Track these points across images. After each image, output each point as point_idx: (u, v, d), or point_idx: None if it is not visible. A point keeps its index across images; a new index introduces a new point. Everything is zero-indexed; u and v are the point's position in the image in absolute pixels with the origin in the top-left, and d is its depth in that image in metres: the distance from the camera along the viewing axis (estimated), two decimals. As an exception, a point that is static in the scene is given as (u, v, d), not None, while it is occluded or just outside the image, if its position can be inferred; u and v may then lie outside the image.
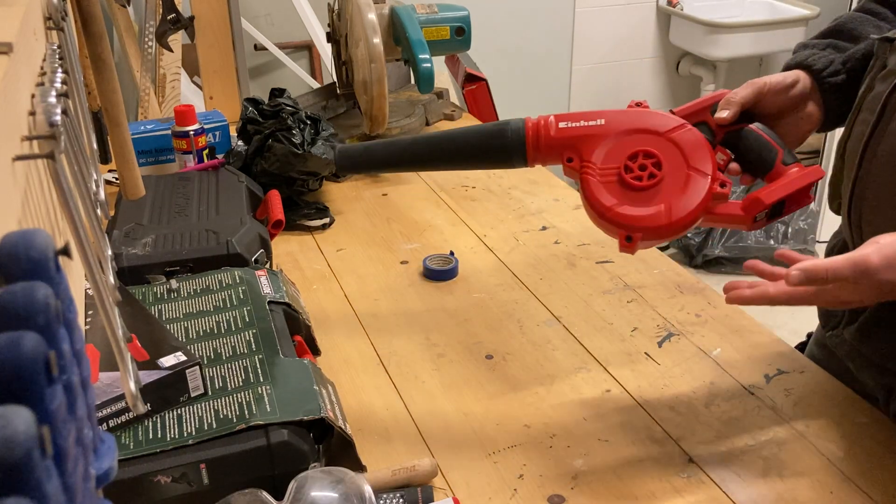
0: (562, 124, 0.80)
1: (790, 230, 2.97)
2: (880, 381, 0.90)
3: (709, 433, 0.89)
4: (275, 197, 1.29)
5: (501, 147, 0.81)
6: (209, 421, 0.78)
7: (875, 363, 0.90)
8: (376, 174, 0.86)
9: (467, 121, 1.90)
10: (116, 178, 1.12)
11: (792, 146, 0.87)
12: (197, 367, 0.81)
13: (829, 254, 0.99)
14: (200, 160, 1.45)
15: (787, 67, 0.89)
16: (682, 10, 3.25)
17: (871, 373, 0.91)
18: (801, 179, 0.80)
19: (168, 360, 0.81)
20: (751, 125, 0.82)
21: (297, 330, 1.00)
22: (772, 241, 3.00)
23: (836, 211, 0.91)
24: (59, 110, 0.42)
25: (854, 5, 0.98)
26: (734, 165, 0.82)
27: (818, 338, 1.04)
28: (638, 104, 0.82)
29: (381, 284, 1.21)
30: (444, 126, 1.85)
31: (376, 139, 0.84)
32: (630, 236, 0.77)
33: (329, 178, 1.42)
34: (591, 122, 0.80)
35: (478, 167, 0.87)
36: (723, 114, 0.81)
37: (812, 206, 2.92)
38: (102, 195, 0.65)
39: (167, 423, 0.78)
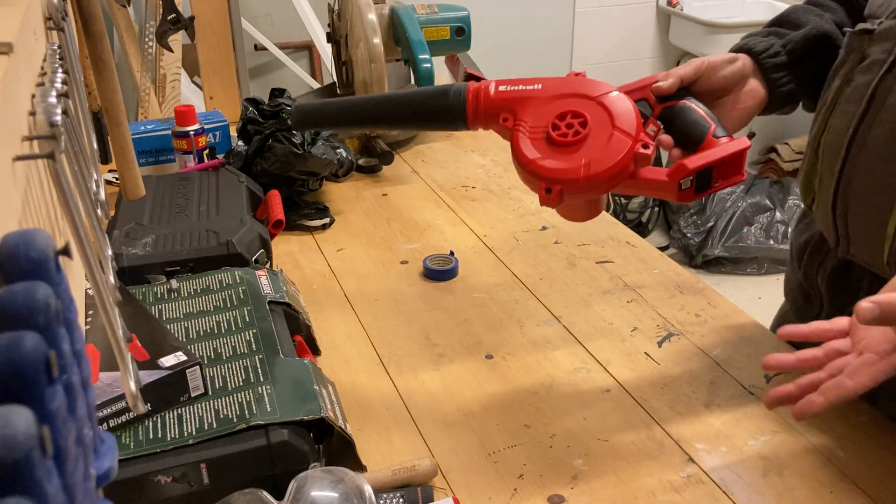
0: (501, 88, 0.83)
1: (789, 230, 2.97)
2: None
3: (709, 433, 0.89)
4: (275, 197, 1.29)
5: (444, 108, 0.84)
6: (209, 421, 0.78)
7: None
8: (329, 129, 0.94)
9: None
10: (116, 178, 1.12)
11: (738, 124, 0.89)
12: (197, 366, 0.81)
13: (801, 250, 1.01)
14: (200, 160, 1.46)
15: (731, 52, 0.91)
16: (682, 10, 3.25)
17: None
18: (726, 148, 0.80)
19: (168, 360, 0.81)
20: (685, 100, 0.85)
21: (297, 330, 1.00)
22: (771, 241, 3.00)
23: (810, 206, 0.93)
24: (59, 110, 0.42)
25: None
26: (665, 137, 0.83)
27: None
28: (577, 74, 0.85)
29: (381, 284, 1.21)
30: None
31: (340, 95, 0.97)
32: (549, 188, 0.78)
33: (329, 178, 1.42)
34: (528, 87, 0.83)
35: (423, 127, 0.95)
36: (662, 84, 0.84)
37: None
38: (102, 195, 0.65)
39: (167, 423, 0.78)
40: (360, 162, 1.60)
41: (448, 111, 0.84)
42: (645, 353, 1.03)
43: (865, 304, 0.65)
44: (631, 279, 1.20)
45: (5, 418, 0.23)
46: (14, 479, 0.24)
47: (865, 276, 0.88)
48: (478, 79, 1.97)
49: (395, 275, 1.23)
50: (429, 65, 1.51)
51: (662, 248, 3.15)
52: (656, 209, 3.31)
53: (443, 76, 2.62)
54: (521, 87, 0.83)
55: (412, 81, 1.83)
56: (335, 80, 1.79)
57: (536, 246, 1.31)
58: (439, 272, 1.22)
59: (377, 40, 1.47)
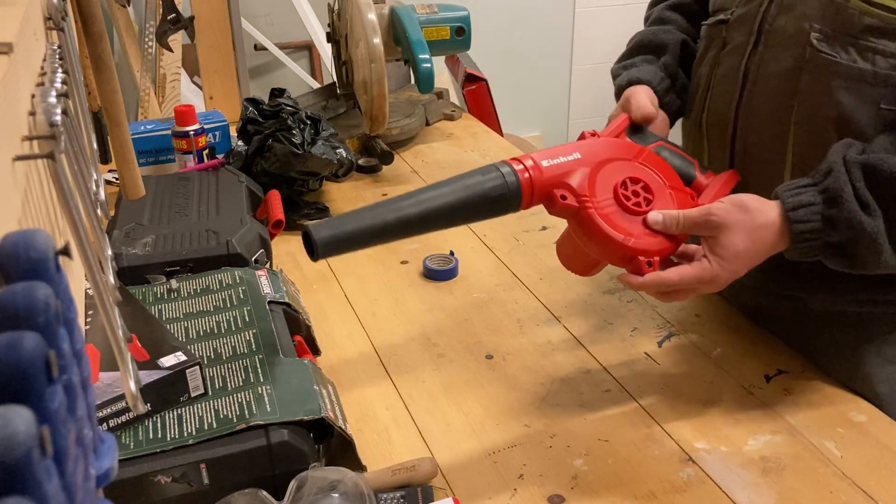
0: (545, 163, 0.79)
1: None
2: (790, 304, 0.99)
3: (709, 433, 0.89)
4: (275, 197, 1.29)
5: (502, 200, 0.78)
6: (209, 421, 0.78)
7: (786, 295, 0.99)
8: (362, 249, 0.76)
9: (466, 121, 1.90)
10: (116, 178, 1.12)
11: None
12: (197, 366, 0.81)
13: None
14: (200, 160, 1.46)
15: (622, 87, 0.99)
16: (682, 10, 3.25)
17: (785, 305, 1.00)
18: (729, 183, 0.89)
19: (168, 360, 0.81)
20: (663, 142, 0.91)
21: (297, 330, 1.00)
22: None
23: None
24: (59, 110, 0.42)
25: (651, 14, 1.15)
26: None
27: (724, 295, 1.13)
28: (593, 134, 0.87)
29: (381, 284, 1.21)
30: (445, 126, 1.85)
31: (359, 210, 0.73)
32: (650, 262, 0.80)
33: (329, 178, 1.42)
34: (568, 158, 0.81)
35: (473, 221, 0.88)
36: (656, 126, 0.93)
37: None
38: (102, 195, 0.65)
39: (167, 423, 0.78)
40: (360, 162, 1.60)
41: (505, 202, 0.78)
42: (645, 353, 1.03)
43: (652, 215, 0.81)
44: (631, 279, 1.20)
45: (5, 418, 0.23)
46: (14, 479, 0.24)
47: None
48: (478, 79, 1.95)
49: (395, 275, 1.23)
50: (429, 65, 1.51)
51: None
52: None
53: (443, 76, 2.62)
54: (561, 158, 0.80)
55: (412, 81, 1.84)
56: (335, 79, 1.79)
57: (536, 246, 1.31)
58: (439, 272, 1.22)
59: (377, 40, 1.47)
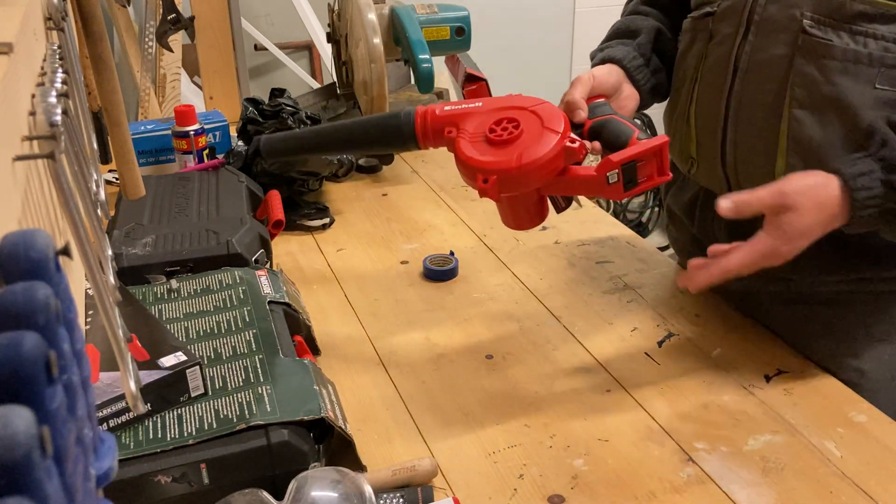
0: (447, 108, 0.90)
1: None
2: (783, 287, 1.02)
3: (709, 433, 0.89)
4: (275, 197, 1.29)
5: (396, 130, 0.91)
6: (209, 421, 0.78)
7: (776, 277, 0.98)
8: (294, 157, 1.10)
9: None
10: (116, 178, 1.12)
11: None
12: (197, 366, 0.81)
13: (688, 208, 1.13)
14: (200, 160, 1.46)
15: (596, 66, 1.03)
16: (682, 10, 3.25)
17: (774, 287, 1.03)
18: (645, 143, 0.87)
19: (168, 360, 0.81)
20: (610, 115, 0.92)
21: (297, 330, 1.00)
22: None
23: (689, 171, 1.07)
24: (59, 110, 0.42)
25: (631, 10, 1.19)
26: (595, 143, 0.90)
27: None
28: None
29: (381, 284, 1.21)
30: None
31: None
32: (486, 179, 0.84)
33: (329, 178, 1.42)
34: (471, 105, 0.90)
35: (379, 150, 1.05)
36: (577, 117, 0.93)
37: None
38: (102, 195, 0.65)
39: (167, 423, 0.78)
40: (360, 162, 1.60)
41: (399, 132, 0.91)
42: (645, 353, 1.03)
43: (723, 202, 0.84)
44: (631, 279, 1.20)
45: (5, 418, 0.23)
46: (14, 479, 0.24)
47: (760, 216, 0.92)
48: (478, 79, 1.97)
49: (395, 275, 1.23)
50: (429, 65, 1.51)
51: (662, 248, 3.14)
52: (656, 209, 3.31)
53: (443, 76, 2.62)
54: (463, 106, 0.90)
55: (412, 81, 1.83)
56: (335, 79, 1.79)
57: (536, 246, 1.31)
58: (439, 272, 1.22)
59: (377, 40, 1.47)
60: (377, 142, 0.96)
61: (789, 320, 1.03)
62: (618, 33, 1.11)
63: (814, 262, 0.93)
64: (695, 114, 1.02)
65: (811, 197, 0.82)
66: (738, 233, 0.98)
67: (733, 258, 0.84)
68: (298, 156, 1.06)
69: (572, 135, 0.86)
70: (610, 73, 1.01)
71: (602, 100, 0.96)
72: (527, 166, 0.83)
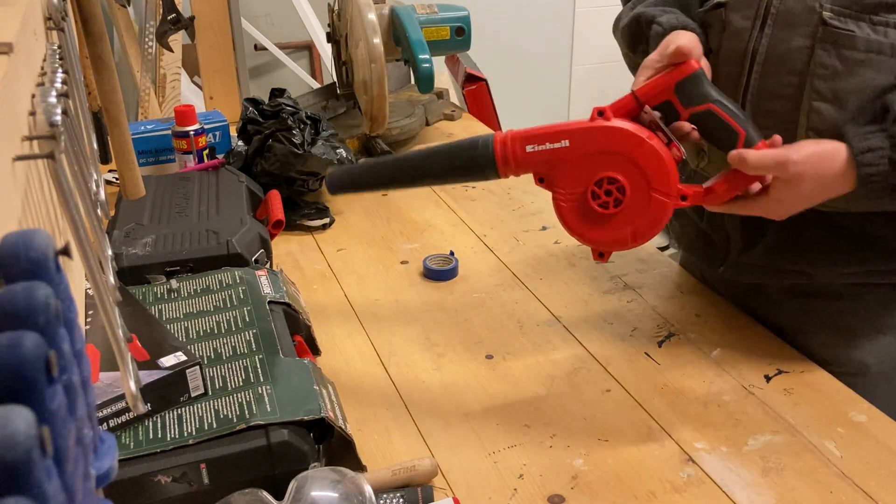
0: (528, 148, 0.82)
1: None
2: (796, 280, 1.01)
3: (709, 433, 0.89)
4: (275, 197, 1.29)
5: (473, 161, 0.85)
6: (209, 421, 0.78)
7: (791, 270, 1.00)
8: (364, 191, 0.97)
9: (466, 121, 1.90)
10: (116, 178, 1.12)
11: None
12: (197, 366, 0.81)
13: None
14: (200, 160, 1.46)
15: (672, 28, 0.92)
16: (682, 10, 3.25)
17: (787, 281, 1.02)
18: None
19: (168, 360, 0.81)
20: (713, 105, 0.83)
21: (297, 330, 1.00)
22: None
23: (698, 165, 1.02)
24: (59, 110, 0.42)
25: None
26: (696, 134, 0.86)
27: (708, 277, 1.17)
28: (601, 113, 0.83)
29: (381, 284, 1.21)
30: (445, 126, 1.85)
31: (374, 151, 0.95)
32: (602, 253, 0.85)
33: (329, 178, 1.42)
34: (556, 145, 0.82)
35: (456, 181, 0.91)
36: (690, 69, 0.84)
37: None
38: (102, 195, 0.65)
39: (167, 423, 0.78)
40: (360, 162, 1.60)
41: (478, 164, 0.84)
42: (645, 353, 1.03)
43: (732, 153, 0.82)
44: (631, 279, 1.20)
45: (5, 418, 0.23)
46: (14, 479, 0.24)
47: None
48: (478, 79, 1.95)
49: (395, 275, 1.23)
50: (429, 65, 1.51)
51: (662, 248, 3.15)
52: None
53: (443, 76, 2.62)
54: (548, 145, 0.82)
55: (412, 81, 1.83)
56: (335, 79, 1.79)
57: (536, 246, 1.31)
58: (439, 272, 1.22)
59: (377, 40, 1.47)
60: (453, 173, 0.88)
61: (795, 313, 1.03)
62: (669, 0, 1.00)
63: (831, 257, 0.94)
64: None
65: (813, 165, 0.82)
66: (750, 224, 0.99)
67: (732, 205, 0.85)
68: (367, 190, 0.95)
69: (682, 186, 0.82)
70: (698, 43, 0.89)
71: (700, 69, 0.84)
72: (642, 241, 0.83)
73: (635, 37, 0.99)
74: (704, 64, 0.89)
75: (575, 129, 0.82)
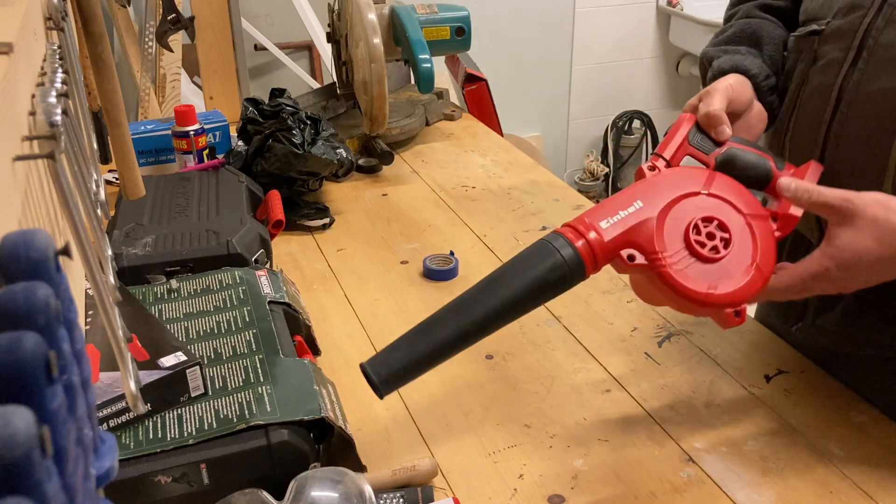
0: (603, 224, 0.72)
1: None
2: (876, 351, 0.90)
3: (709, 433, 0.89)
4: (275, 197, 1.29)
5: (562, 280, 0.71)
6: (209, 421, 0.78)
7: (869, 339, 0.89)
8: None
9: (466, 121, 1.90)
10: (116, 178, 1.12)
11: None
12: (197, 366, 0.81)
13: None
14: (200, 160, 1.46)
15: (721, 72, 0.88)
16: (682, 10, 3.25)
17: (868, 348, 0.90)
18: (813, 174, 0.79)
19: (168, 360, 0.81)
20: (731, 143, 0.81)
21: (297, 330, 1.00)
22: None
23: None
24: (59, 110, 0.42)
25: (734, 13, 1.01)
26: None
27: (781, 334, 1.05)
28: (651, 168, 0.77)
29: (381, 284, 1.21)
30: (445, 126, 1.85)
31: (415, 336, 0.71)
32: (738, 311, 0.73)
33: (329, 178, 1.42)
34: (629, 210, 0.72)
35: (534, 309, 0.76)
36: (723, 133, 0.81)
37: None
38: (102, 195, 0.65)
39: (167, 423, 0.78)
40: (360, 162, 1.60)
41: (568, 279, 0.72)
42: (645, 353, 1.03)
43: (784, 181, 0.76)
44: (631, 279, 1.20)
45: (5, 418, 0.23)
46: (14, 479, 0.24)
47: None
48: (478, 79, 1.95)
49: (395, 275, 1.23)
50: (429, 65, 1.51)
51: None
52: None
53: (443, 76, 2.62)
54: (622, 213, 0.72)
55: (412, 81, 1.83)
56: (335, 79, 1.79)
57: (536, 246, 1.31)
58: (439, 272, 1.22)
59: (377, 40, 1.47)
60: (539, 303, 0.74)
61: (887, 385, 0.91)
62: (743, 36, 0.94)
63: None
64: (789, 146, 0.89)
65: (879, 219, 0.70)
66: None
67: (780, 276, 0.74)
68: (429, 368, 0.71)
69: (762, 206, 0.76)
70: (745, 87, 0.86)
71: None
72: (769, 273, 0.73)
73: (703, 74, 0.95)
74: (757, 109, 0.87)
75: (640, 187, 0.75)
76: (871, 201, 0.71)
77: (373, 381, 0.69)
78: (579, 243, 0.71)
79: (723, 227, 0.73)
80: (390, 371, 0.70)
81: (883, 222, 0.70)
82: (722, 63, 0.89)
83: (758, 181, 0.80)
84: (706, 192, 0.74)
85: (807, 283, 0.74)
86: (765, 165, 0.80)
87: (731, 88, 0.84)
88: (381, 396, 0.70)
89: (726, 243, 0.73)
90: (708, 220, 0.73)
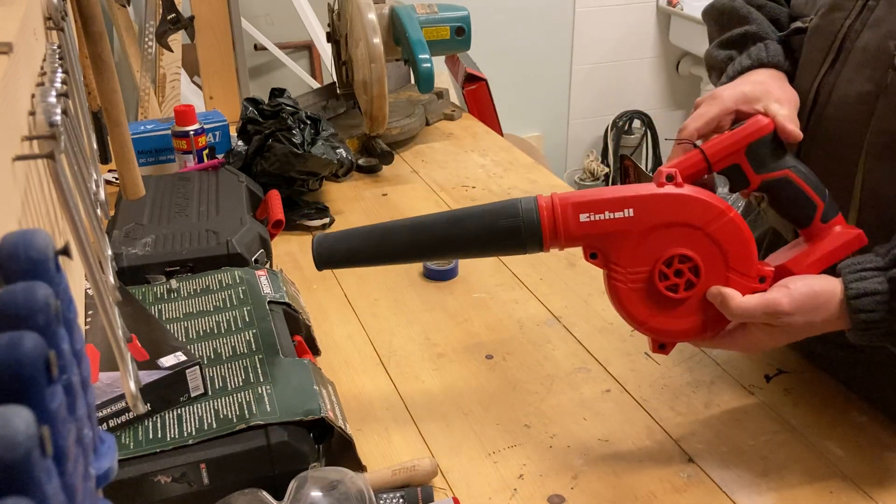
0: (583, 217, 0.70)
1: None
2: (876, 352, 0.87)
3: (709, 433, 0.89)
4: (275, 197, 1.29)
5: (512, 229, 0.71)
6: (209, 421, 0.78)
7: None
8: (362, 266, 0.80)
9: (466, 121, 1.90)
10: (116, 178, 1.12)
11: None
12: (197, 366, 0.81)
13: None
14: (200, 160, 1.46)
15: (747, 67, 0.85)
16: (682, 10, 3.25)
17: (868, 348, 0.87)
18: (849, 247, 0.73)
19: (168, 360, 0.81)
20: (790, 172, 0.74)
21: (297, 330, 1.00)
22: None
23: (759, 204, 0.90)
24: (59, 110, 0.42)
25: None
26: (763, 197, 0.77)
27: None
28: (670, 177, 0.71)
29: (381, 284, 1.21)
30: (445, 126, 1.85)
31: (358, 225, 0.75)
32: (664, 344, 0.73)
33: (329, 178, 1.42)
34: (617, 214, 0.70)
35: (486, 254, 0.76)
36: (794, 132, 0.75)
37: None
38: (102, 195, 0.65)
39: (167, 423, 0.78)
40: (360, 162, 1.60)
41: (517, 234, 0.71)
42: (645, 353, 1.03)
43: (713, 290, 0.72)
44: (631, 279, 1.20)
45: (5, 418, 0.23)
46: (14, 479, 0.24)
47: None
48: (478, 79, 1.95)
49: (395, 275, 1.23)
50: (429, 65, 1.51)
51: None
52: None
53: (443, 76, 2.62)
54: (607, 213, 0.69)
55: (412, 81, 1.83)
56: (335, 79, 1.79)
57: (536, 246, 1.31)
58: (439, 272, 1.22)
59: (377, 40, 1.47)
60: (483, 244, 0.73)
61: (861, 381, 0.92)
62: (743, 37, 0.90)
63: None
64: None
65: (804, 314, 0.71)
66: None
67: (723, 340, 0.75)
68: (367, 264, 0.77)
69: (761, 265, 0.71)
70: (779, 83, 0.81)
71: (775, 130, 0.74)
72: (712, 333, 0.72)
73: (724, 19, 0.91)
74: (793, 96, 0.80)
75: (641, 197, 0.70)
76: (802, 303, 0.71)
77: (314, 254, 0.77)
78: (545, 213, 0.71)
79: (696, 270, 0.71)
80: (331, 255, 0.77)
81: (809, 312, 0.71)
82: (742, 61, 0.86)
83: (795, 220, 0.76)
84: (705, 231, 0.70)
85: (740, 350, 0.76)
86: (809, 210, 0.74)
87: (775, 76, 0.81)
88: (318, 269, 0.78)
89: (689, 286, 0.71)
90: (686, 258, 0.71)
